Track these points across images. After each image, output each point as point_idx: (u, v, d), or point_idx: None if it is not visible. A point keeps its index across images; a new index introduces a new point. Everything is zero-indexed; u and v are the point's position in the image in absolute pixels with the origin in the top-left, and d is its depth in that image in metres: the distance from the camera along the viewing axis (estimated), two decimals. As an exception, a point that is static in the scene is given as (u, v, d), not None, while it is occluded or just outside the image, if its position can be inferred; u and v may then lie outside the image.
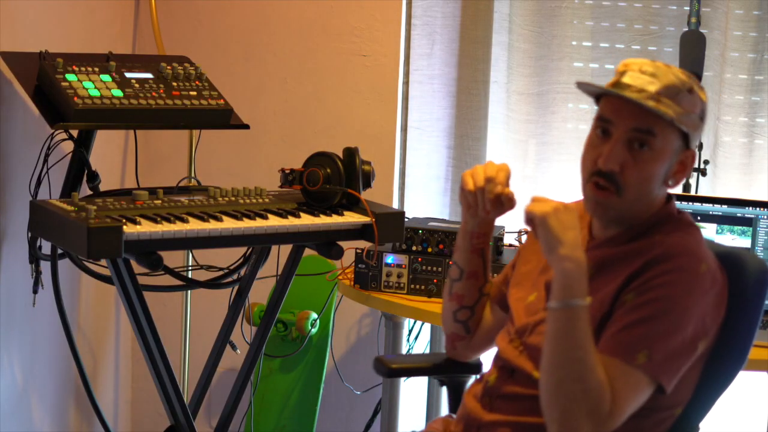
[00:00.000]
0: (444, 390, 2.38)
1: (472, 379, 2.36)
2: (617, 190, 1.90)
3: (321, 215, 2.59)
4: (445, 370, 2.35)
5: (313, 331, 3.43)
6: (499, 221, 2.27)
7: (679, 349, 1.85)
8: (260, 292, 3.33)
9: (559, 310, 1.82)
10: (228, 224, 2.43)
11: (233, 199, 2.61)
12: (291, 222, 2.52)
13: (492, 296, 2.22)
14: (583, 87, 1.98)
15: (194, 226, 2.38)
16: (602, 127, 1.93)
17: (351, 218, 2.61)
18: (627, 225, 1.97)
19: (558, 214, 1.84)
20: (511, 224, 3.18)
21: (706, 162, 3.15)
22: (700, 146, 3.14)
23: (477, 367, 2.33)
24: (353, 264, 3.02)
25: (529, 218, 1.87)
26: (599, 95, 1.97)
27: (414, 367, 2.50)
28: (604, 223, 2.00)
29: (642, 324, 1.83)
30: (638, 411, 1.87)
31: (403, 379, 3.19)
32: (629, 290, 1.88)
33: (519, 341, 2.01)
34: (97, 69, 2.71)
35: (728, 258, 1.99)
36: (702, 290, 1.87)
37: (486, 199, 2.06)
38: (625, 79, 1.91)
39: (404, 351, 3.26)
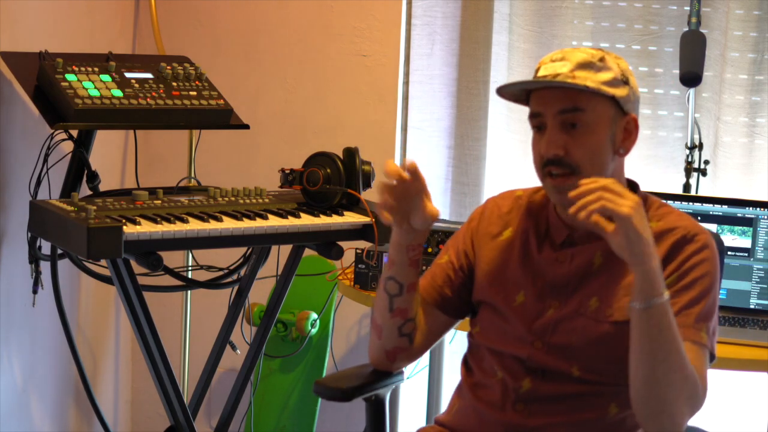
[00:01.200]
0: (443, 390, 2.35)
1: (391, 388, 2.29)
2: (572, 171, 1.93)
3: (321, 215, 2.59)
4: (381, 383, 2.24)
5: (313, 331, 3.43)
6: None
7: (716, 318, 1.95)
8: (260, 292, 3.33)
9: (652, 308, 1.79)
10: (228, 224, 2.43)
11: (233, 199, 2.61)
12: (291, 222, 2.52)
13: (429, 300, 2.16)
14: (504, 90, 2.01)
15: (194, 226, 2.38)
16: (536, 124, 1.98)
17: (351, 218, 2.61)
18: None
19: (639, 211, 1.78)
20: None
21: (706, 162, 3.15)
22: (700, 146, 3.14)
23: (401, 374, 2.26)
24: (353, 264, 3.02)
25: (608, 216, 1.77)
26: (528, 98, 2.01)
27: (364, 384, 2.26)
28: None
29: (695, 305, 1.90)
30: None
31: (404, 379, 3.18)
32: (667, 275, 1.91)
33: (541, 342, 2.00)
34: (97, 69, 2.71)
35: None
36: (719, 261, 1.97)
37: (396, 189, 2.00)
38: (540, 74, 1.97)
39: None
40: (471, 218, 2.21)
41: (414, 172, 1.98)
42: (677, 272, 1.92)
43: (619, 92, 1.95)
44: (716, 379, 2.70)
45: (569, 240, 2.03)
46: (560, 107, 1.93)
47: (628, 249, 1.77)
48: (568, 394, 1.97)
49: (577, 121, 1.93)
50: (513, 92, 2.03)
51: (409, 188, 2.00)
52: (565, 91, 1.93)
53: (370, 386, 2.22)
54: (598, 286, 1.96)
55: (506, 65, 3.52)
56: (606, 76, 1.94)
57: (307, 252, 2.78)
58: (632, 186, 2.06)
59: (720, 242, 2.23)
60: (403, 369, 2.24)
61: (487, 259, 2.11)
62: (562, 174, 1.94)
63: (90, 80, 2.66)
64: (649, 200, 2.03)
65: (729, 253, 2.90)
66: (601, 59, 1.95)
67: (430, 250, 2.96)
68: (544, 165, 1.96)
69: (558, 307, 2.00)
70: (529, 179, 3.57)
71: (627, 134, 1.98)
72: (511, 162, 3.58)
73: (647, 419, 1.86)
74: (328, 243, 2.59)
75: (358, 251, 2.99)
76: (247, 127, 2.90)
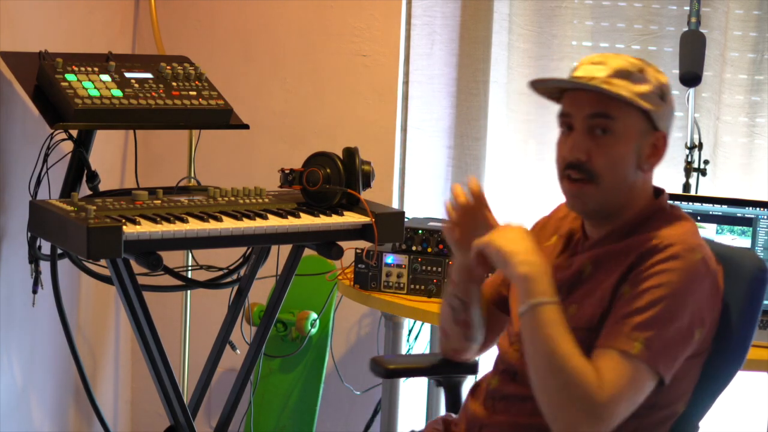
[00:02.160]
0: (442, 390, 2.38)
1: (469, 378, 2.36)
2: (591, 178, 1.92)
3: (321, 215, 2.59)
4: (442, 370, 2.34)
5: (313, 331, 3.43)
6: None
7: (676, 337, 1.84)
8: (260, 292, 3.33)
9: (526, 313, 1.85)
10: (228, 224, 2.43)
11: (233, 199, 2.61)
12: (291, 222, 2.52)
13: (489, 297, 2.21)
14: (537, 85, 2.00)
15: (194, 226, 2.38)
16: (565, 123, 1.96)
17: (351, 218, 2.61)
18: (616, 220, 1.97)
19: (502, 233, 1.91)
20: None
21: (706, 162, 3.15)
22: (700, 146, 3.14)
23: (473, 367, 2.33)
24: (353, 264, 3.02)
25: (480, 251, 1.93)
26: (559, 96, 1.99)
27: (412, 368, 2.47)
28: (591, 219, 2.01)
29: (638, 314, 1.83)
30: (637, 410, 1.87)
31: (402, 379, 3.19)
32: (626, 283, 1.88)
33: (518, 344, 2.01)
34: (96, 69, 2.71)
35: (727, 256, 1.99)
36: (696, 278, 1.87)
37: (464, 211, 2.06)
38: (577, 74, 1.95)
39: (404, 351, 3.26)
40: (537, 221, 2.23)
41: (478, 195, 2.03)
42: (632, 281, 1.87)
43: (653, 107, 1.91)
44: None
45: (581, 247, 2.03)
46: (590, 111, 1.91)
47: (501, 266, 1.90)
48: (529, 397, 1.94)
49: (608, 128, 1.90)
50: (546, 88, 2.00)
51: (473, 210, 2.06)
52: (598, 95, 1.90)
53: (416, 371, 2.38)
54: (581, 294, 1.96)
55: (506, 65, 3.52)
56: (642, 88, 1.91)
57: (307, 252, 2.78)
58: (657, 192, 2.03)
59: (758, 266, 1.99)
60: (473, 362, 2.31)
61: None
62: (580, 179, 1.93)
63: (90, 80, 2.66)
64: (663, 213, 1.97)
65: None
66: (641, 70, 1.92)
67: (429, 249, 2.97)
68: (565, 167, 1.94)
69: None
70: (529, 179, 3.59)
71: (654, 150, 1.95)
72: (511, 162, 3.58)
73: (550, 425, 1.85)
74: (328, 243, 2.59)
75: (357, 251, 2.99)
76: (246, 127, 2.90)
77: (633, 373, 1.81)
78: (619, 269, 1.90)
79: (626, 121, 1.91)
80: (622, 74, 1.91)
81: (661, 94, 1.93)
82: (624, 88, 1.90)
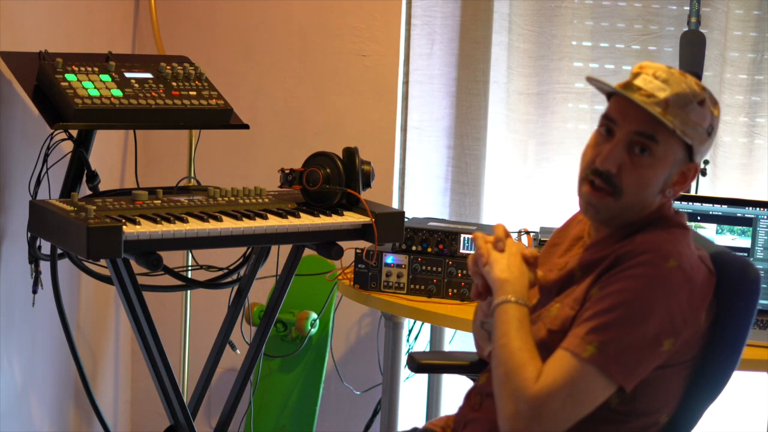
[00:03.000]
0: (443, 390, 2.39)
1: None
2: (614, 191, 1.89)
3: (321, 215, 2.59)
4: (464, 370, 2.38)
5: (313, 331, 3.43)
6: (497, 221, 2.27)
7: (636, 343, 1.81)
8: (260, 292, 3.33)
9: (494, 309, 1.90)
10: (228, 224, 2.43)
11: (233, 199, 2.61)
12: (291, 222, 2.52)
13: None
14: (594, 83, 1.96)
15: (194, 226, 2.38)
16: (607, 126, 1.91)
17: (351, 218, 2.61)
18: (618, 227, 1.95)
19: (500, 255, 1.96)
20: (512, 225, 3.18)
21: (706, 162, 3.15)
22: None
23: None
24: (353, 264, 3.02)
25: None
26: (610, 94, 1.95)
27: (449, 365, 2.51)
28: (596, 224, 1.99)
29: (596, 317, 1.82)
30: (613, 416, 1.87)
31: (402, 379, 3.19)
32: (596, 286, 1.88)
33: None
34: (96, 69, 2.71)
35: (719, 262, 1.96)
36: (668, 286, 1.84)
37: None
38: (637, 82, 1.90)
39: (404, 351, 3.25)
40: (562, 224, 2.21)
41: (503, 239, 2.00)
42: (601, 284, 1.87)
43: (698, 142, 1.90)
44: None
45: (580, 249, 2.02)
46: (638, 128, 1.87)
47: (482, 271, 1.97)
48: None
49: (648, 149, 1.87)
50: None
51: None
52: (650, 114, 1.86)
53: (444, 368, 2.45)
54: (565, 296, 1.96)
55: (506, 65, 3.52)
56: (695, 121, 1.88)
57: (307, 252, 2.78)
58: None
59: (751, 277, 1.96)
60: None
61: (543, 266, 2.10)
62: (602, 189, 1.90)
63: (90, 80, 2.66)
64: (662, 221, 1.95)
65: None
66: (701, 102, 1.89)
67: (429, 249, 2.97)
68: (590, 172, 1.91)
69: (538, 311, 2.00)
70: (528, 179, 3.58)
71: (682, 179, 1.92)
72: (510, 162, 3.58)
73: None
74: (327, 243, 2.59)
75: (357, 251, 2.98)
76: (246, 127, 2.90)
77: (575, 373, 1.80)
78: (597, 272, 1.90)
79: (668, 148, 1.88)
80: (681, 102, 1.87)
81: (710, 130, 1.91)
82: (679, 118, 1.86)
